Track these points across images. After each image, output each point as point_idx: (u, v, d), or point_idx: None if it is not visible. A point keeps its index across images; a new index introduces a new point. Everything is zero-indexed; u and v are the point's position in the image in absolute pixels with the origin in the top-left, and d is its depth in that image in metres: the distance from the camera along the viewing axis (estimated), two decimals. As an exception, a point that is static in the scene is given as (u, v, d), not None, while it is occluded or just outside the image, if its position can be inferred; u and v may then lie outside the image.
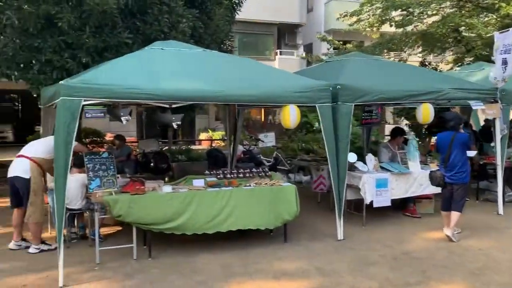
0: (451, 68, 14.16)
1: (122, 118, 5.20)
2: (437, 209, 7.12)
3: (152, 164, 9.02)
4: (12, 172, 5.42)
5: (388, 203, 6.62)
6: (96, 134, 12.92)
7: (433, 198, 7.35)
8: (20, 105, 23.26)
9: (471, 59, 13.01)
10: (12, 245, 5.58)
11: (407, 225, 6.73)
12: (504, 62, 6.74)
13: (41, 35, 7.14)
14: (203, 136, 21.02)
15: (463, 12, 12.62)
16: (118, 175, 5.64)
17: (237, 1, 9.92)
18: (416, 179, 6.84)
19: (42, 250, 5.44)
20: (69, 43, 7.19)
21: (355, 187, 6.58)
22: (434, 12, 13.37)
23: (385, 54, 14.96)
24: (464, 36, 13.04)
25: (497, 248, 5.66)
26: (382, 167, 6.88)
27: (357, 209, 7.02)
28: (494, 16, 12.54)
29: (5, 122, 19.23)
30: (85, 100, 4.54)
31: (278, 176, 6.26)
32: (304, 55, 19.52)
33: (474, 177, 7.84)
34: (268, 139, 10.09)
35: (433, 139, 10.82)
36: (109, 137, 14.72)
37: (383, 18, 14.42)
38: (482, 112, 7.94)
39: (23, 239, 5.63)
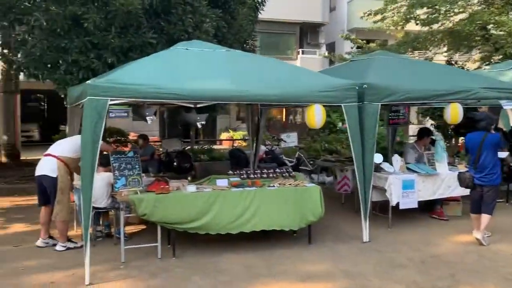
0: (478, 67, 13.80)
1: (147, 118, 5.22)
2: (465, 212, 6.94)
3: (175, 164, 9.06)
4: (39, 170, 5.50)
5: (415, 205, 6.47)
6: (120, 134, 13.05)
7: (461, 200, 7.16)
8: (45, 105, 23.78)
9: (499, 57, 12.65)
10: (39, 242, 5.67)
11: (434, 228, 6.57)
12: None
13: (68, 35, 7.26)
14: (224, 136, 21.07)
15: (492, 9, 12.28)
16: (143, 174, 5.66)
17: (260, 1, 9.89)
18: (444, 180, 6.67)
19: (69, 248, 5.51)
20: (95, 44, 7.29)
21: (381, 188, 6.45)
22: (461, 10, 13.06)
23: (410, 53, 14.70)
24: (493, 34, 12.69)
25: (530, 252, 5.47)
26: (408, 168, 6.74)
27: (382, 211, 6.90)
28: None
29: (32, 122, 19.63)
30: (111, 100, 4.57)
31: (302, 177, 6.19)
32: (326, 54, 19.34)
33: (504, 179, 7.59)
34: (291, 139, 10.05)
35: (460, 140, 10.58)
36: (132, 136, 14.89)
37: (408, 16, 14.17)
38: (513, 112, 7.69)
39: (50, 237, 5.71)
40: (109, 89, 4.53)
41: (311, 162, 10.25)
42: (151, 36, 7.42)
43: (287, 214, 5.44)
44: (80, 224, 5.90)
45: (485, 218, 5.68)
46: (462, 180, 5.86)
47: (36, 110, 22.56)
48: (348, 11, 22.38)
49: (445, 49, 14.70)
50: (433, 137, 7.37)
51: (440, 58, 14.85)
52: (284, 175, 6.07)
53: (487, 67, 11.81)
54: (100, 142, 4.51)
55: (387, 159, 6.82)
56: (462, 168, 6.77)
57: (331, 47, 23.11)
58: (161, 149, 10.57)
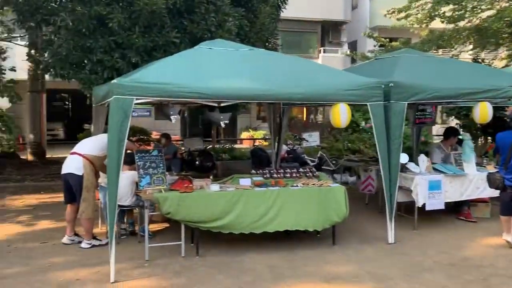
0: (506, 65, 13.42)
1: (172, 117, 5.24)
2: (493, 214, 6.76)
3: (197, 163, 9.10)
4: (65, 169, 5.57)
5: (442, 206, 6.32)
6: (143, 133, 13.20)
7: (490, 202, 6.97)
8: (70, 104, 24.23)
9: (528, 55, 12.29)
10: (65, 239, 5.75)
11: (462, 230, 6.41)
12: None
13: (93, 35, 7.34)
14: (244, 135, 21.07)
15: (521, 5, 11.92)
16: (166, 173, 5.68)
17: (282, -1, 9.85)
18: (472, 181, 6.49)
19: (94, 245, 5.57)
20: (119, 43, 7.36)
21: (406, 189, 6.32)
22: (488, 6, 12.72)
23: (434, 51, 14.41)
24: (522, 31, 12.34)
25: None
26: (435, 169, 6.59)
27: (408, 212, 6.76)
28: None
29: (57, 121, 20.01)
30: (137, 99, 4.59)
31: (326, 177, 6.12)
32: (348, 52, 19.14)
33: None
34: (313, 139, 9.97)
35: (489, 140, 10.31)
36: (154, 135, 15.04)
37: (433, 14, 13.88)
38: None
39: (76, 234, 5.78)
40: (134, 88, 4.56)
41: (334, 161, 10.12)
42: (175, 35, 7.44)
43: (311, 215, 5.38)
44: (104, 221, 5.98)
45: (516, 220, 5.51)
46: (492, 181, 5.69)
47: (60, 109, 23.00)
48: (371, 9, 22.11)
49: (470, 47, 14.35)
50: (460, 137, 7.19)
51: (465, 56, 14.50)
52: (307, 174, 6.00)
53: (515, 65, 11.49)
54: (126, 140, 4.54)
55: (412, 159, 6.68)
56: (491, 168, 6.58)
57: (353, 46, 22.86)
58: (183, 148, 10.63)
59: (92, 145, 5.66)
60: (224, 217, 5.19)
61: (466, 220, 6.79)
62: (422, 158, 6.51)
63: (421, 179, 6.21)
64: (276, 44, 9.98)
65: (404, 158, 6.06)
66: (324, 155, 10.33)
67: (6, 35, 13.20)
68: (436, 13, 13.69)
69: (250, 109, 21.19)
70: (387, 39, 16.68)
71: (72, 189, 5.52)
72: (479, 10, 12.97)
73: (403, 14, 14.37)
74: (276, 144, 8.37)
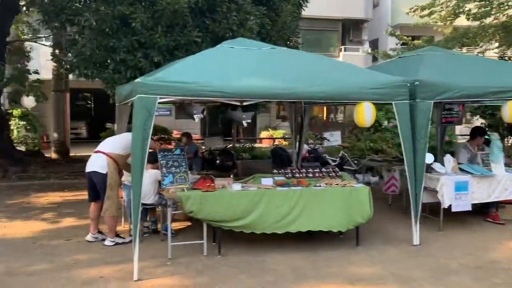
0: (534, 63, 13.03)
1: (195, 116, 5.24)
2: (523, 216, 6.58)
3: (218, 162, 9.11)
4: (90, 167, 5.62)
5: (469, 208, 6.17)
6: (164, 132, 13.28)
7: (518, 204, 6.77)
8: (92, 103, 24.62)
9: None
10: (89, 237, 5.81)
11: (489, 232, 6.24)
12: None
13: (116, 35, 7.41)
14: (264, 134, 21.04)
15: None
16: (189, 172, 5.69)
17: (304, -3, 9.77)
18: (501, 182, 6.31)
19: (117, 243, 5.61)
20: (141, 43, 7.41)
21: (431, 189, 6.19)
22: (516, 3, 12.40)
23: (458, 49, 14.11)
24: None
25: None
26: (461, 169, 6.43)
27: (432, 213, 6.63)
28: None
29: (79, 120, 20.35)
30: (160, 98, 4.60)
31: (349, 177, 6.03)
32: (369, 51, 18.91)
33: None
34: (334, 138, 9.86)
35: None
36: (175, 134, 15.14)
37: (457, 11, 13.60)
38: None
39: (99, 232, 5.84)
40: (158, 87, 4.57)
41: (355, 161, 10.01)
42: (196, 34, 7.46)
43: (334, 215, 5.31)
44: (127, 220, 6.02)
45: (547, 223, 5.33)
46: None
47: (83, 109, 23.40)
48: (392, 7, 21.82)
49: (496, 44, 14.01)
50: (487, 137, 7.00)
51: (491, 54, 14.16)
52: (330, 174, 5.94)
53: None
54: (149, 139, 4.55)
55: (436, 159, 6.54)
56: (520, 169, 6.40)
57: (374, 44, 22.60)
58: (203, 147, 10.67)
59: (116, 143, 5.70)
60: (246, 217, 5.16)
61: (494, 222, 6.62)
62: (448, 158, 6.36)
63: (447, 179, 6.07)
64: (298, 42, 9.92)
65: (429, 158, 5.93)
66: (346, 154, 10.22)
67: (31, 35, 13.50)
68: (461, 10, 13.42)
69: (270, 108, 21.14)
70: (409, 37, 16.42)
71: (96, 187, 5.58)
72: (506, 7, 12.65)
73: (426, 12, 14.14)
74: (297, 143, 8.32)
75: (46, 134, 17.19)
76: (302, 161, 8.75)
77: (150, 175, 5.59)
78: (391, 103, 5.47)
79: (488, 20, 13.15)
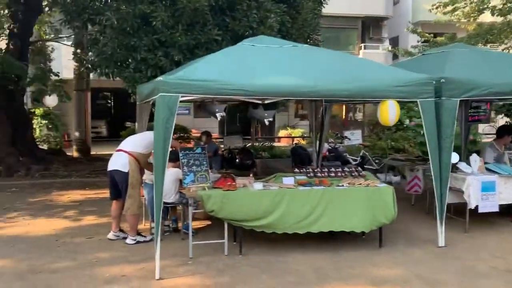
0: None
1: (217, 114, 5.20)
2: (553, 218, 6.36)
3: (237, 160, 9.11)
4: (111, 165, 5.64)
5: (496, 209, 6.00)
6: (183, 130, 13.34)
7: (548, 205, 6.55)
8: (112, 102, 24.91)
9: None
10: (110, 235, 5.84)
11: (517, 234, 6.06)
12: None
13: (137, 34, 7.45)
14: (282, 133, 20.95)
15: None
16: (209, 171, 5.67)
17: (324, -6, 9.67)
18: (529, 183, 6.12)
19: (138, 242, 5.62)
20: (162, 42, 7.42)
21: (457, 189, 6.04)
22: (543, -2, 12.04)
23: (482, 46, 13.78)
24: None
25: None
26: (487, 169, 6.25)
27: (457, 214, 6.46)
28: None
29: (100, 119, 20.60)
30: (182, 96, 4.58)
31: (373, 176, 5.92)
32: (390, 48, 18.64)
33: None
34: (355, 137, 9.73)
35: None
36: (194, 133, 15.19)
37: (481, 7, 13.29)
38: None
39: (121, 230, 5.86)
40: (179, 86, 4.55)
41: (377, 161, 9.86)
42: (216, 33, 7.44)
43: (357, 216, 5.21)
44: (148, 218, 6.04)
45: None
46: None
47: (103, 108, 23.69)
48: (413, 4, 21.49)
49: (522, 42, 13.64)
50: (516, 136, 6.80)
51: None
52: (353, 174, 5.83)
53: None
54: (171, 138, 4.54)
55: (461, 158, 6.37)
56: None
57: (394, 42, 22.27)
58: (222, 146, 10.67)
59: (137, 142, 5.71)
60: (267, 216, 5.10)
61: (522, 224, 6.43)
62: (474, 157, 6.19)
63: (474, 179, 5.91)
64: (318, 40, 9.81)
65: (455, 157, 5.77)
66: (367, 154, 10.07)
67: (53, 36, 13.71)
68: (485, 6, 13.10)
69: (288, 107, 21.05)
70: (431, 34, 16.11)
71: (118, 185, 5.59)
72: (533, 2, 12.31)
73: (449, 8, 13.84)
74: (318, 142, 8.23)
75: (67, 133, 17.45)
76: (322, 160, 8.66)
77: (171, 173, 5.58)
78: (415, 101, 5.35)
79: (513, 16, 12.82)
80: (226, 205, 5.04)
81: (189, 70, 5.04)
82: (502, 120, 12.87)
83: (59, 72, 12.27)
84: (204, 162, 5.39)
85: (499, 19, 13.18)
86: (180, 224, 6.07)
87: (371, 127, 13.34)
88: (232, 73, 4.90)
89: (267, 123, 5.75)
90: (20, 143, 11.17)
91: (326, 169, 5.97)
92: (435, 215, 6.16)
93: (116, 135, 17.36)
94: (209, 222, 6.44)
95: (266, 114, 5.57)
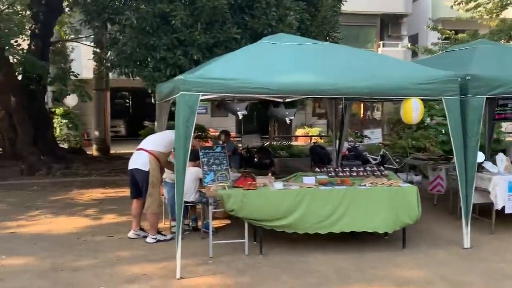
0: None
1: (239, 113, 5.17)
2: None
3: (256, 159, 9.07)
4: (132, 164, 5.66)
5: (524, 210, 5.82)
6: (201, 130, 13.36)
7: None
8: (130, 102, 25.13)
9: None
10: (131, 234, 5.85)
11: (545, 236, 5.87)
12: None
13: (156, 33, 7.46)
14: (299, 132, 20.84)
15: None
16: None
17: (344, -9, 9.56)
18: (558, 183, 5.92)
19: (159, 240, 5.62)
20: (181, 40, 7.42)
21: (482, 189, 5.89)
22: None
23: (504, 42, 13.45)
24: None
25: None
26: (515, 169, 6.08)
27: (482, 214, 6.31)
28: None
29: (118, 118, 20.80)
30: (202, 95, 4.55)
31: (396, 176, 5.81)
32: (409, 46, 18.35)
33: None
34: (375, 136, 9.61)
35: None
36: (211, 132, 15.21)
37: (505, 3, 12.97)
38: None
39: (141, 229, 5.87)
40: (200, 84, 4.52)
41: (397, 160, 9.70)
42: (235, 31, 7.41)
43: (380, 216, 5.11)
44: (168, 217, 6.04)
45: None
46: None
47: (122, 107, 23.91)
48: (433, 1, 21.13)
49: (548, 37, 13.27)
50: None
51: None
52: (375, 173, 5.73)
53: None
54: (192, 137, 4.51)
55: (485, 157, 6.21)
56: None
57: (414, 39, 21.95)
58: (240, 145, 10.63)
59: (157, 141, 5.71)
60: (288, 216, 5.05)
61: (550, 225, 6.22)
62: (500, 157, 6.03)
63: (500, 179, 5.75)
64: (337, 38, 9.70)
65: (480, 156, 5.63)
66: (387, 153, 9.92)
67: (73, 36, 13.88)
68: (509, 1, 12.79)
69: (306, 105, 20.93)
70: (452, 31, 15.80)
71: (138, 184, 5.60)
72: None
73: (472, 4, 13.55)
74: (337, 141, 8.13)
75: (87, 132, 17.68)
76: (342, 159, 8.56)
77: (191, 172, 5.56)
78: (440, 99, 5.22)
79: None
80: (246, 204, 5.00)
81: (209, 68, 5.02)
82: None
83: (78, 74, 12.42)
84: (224, 161, 5.36)
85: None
86: (199, 223, 6.06)
87: (391, 125, 13.15)
88: (253, 71, 4.85)
89: (288, 121, 5.69)
90: (41, 142, 11.34)
91: (347, 169, 5.88)
92: (459, 216, 6.03)
93: (134, 134, 17.51)
94: (228, 221, 6.41)
95: (287, 113, 5.51)
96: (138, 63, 7.82)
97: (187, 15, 7.18)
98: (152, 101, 7.87)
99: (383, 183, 5.31)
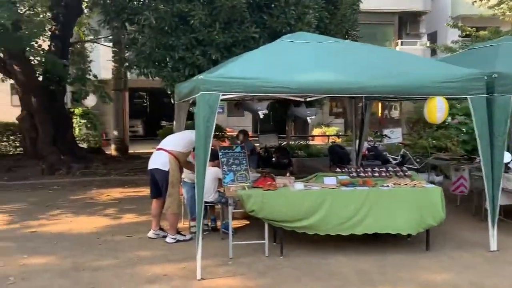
0: None
1: (259, 112, 5.12)
2: None
3: (273, 159, 8.98)
4: (152, 164, 5.65)
5: (552, 211, 5.65)
6: (218, 129, 13.36)
7: None
8: (147, 102, 25.33)
9: None
10: (150, 234, 5.85)
11: None
12: None
13: (175, 33, 7.46)
14: (316, 131, 20.70)
15: None
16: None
17: (364, -11, 9.44)
18: None
19: (178, 240, 5.61)
20: (200, 40, 7.41)
21: (509, 190, 5.73)
22: None
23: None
24: None
25: None
26: (542, 169, 5.90)
27: (508, 216, 6.14)
28: None
29: (136, 118, 20.97)
30: (223, 95, 4.52)
31: (419, 177, 5.68)
32: (428, 44, 18.06)
33: None
34: (395, 135, 9.47)
35: None
36: (228, 131, 15.21)
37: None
38: None
39: (161, 229, 5.86)
40: (220, 84, 4.49)
41: (418, 160, 9.53)
42: (254, 30, 7.36)
43: (403, 217, 5.01)
44: (187, 217, 6.03)
45: None
46: None
47: (139, 107, 24.12)
48: (453, -2, 20.76)
49: None
50: None
51: None
52: (398, 174, 5.62)
53: None
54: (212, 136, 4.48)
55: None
56: None
57: (432, 37, 21.60)
58: (257, 145, 10.57)
59: (177, 141, 5.70)
60: (309, 217, 4.98)
61: None
62: (527, 157, 5.85)
63: (528, 180, 5.58)
64: (356, 36, 9.58)
65: (507, 157, 5.48)
66: (408, 152, 9.75)
67: (91, 37, 14.02)
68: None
69: (323, 105, 20.77)
70: (473, 28, 15.50)
71: (158, 184, 5.59)
72: None
73: (494, 1, 13.26)
74: (357, 141, 8.02)
75: (105, 132, 17.85)
76: (362, 159, 8.44)
77: (210, 172, 5.52)
78: (465, 98, 5.08)
79: None
80: (266, 205, 4.95)
81: (229, 68, 4.98)
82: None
83: (96, 74, 12.53)
84: (244, 161, 5.32)
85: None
86: (219, 223, 6.03)
87: (410, 124, 12.95)
88: (273, 70, 4.79)
89: (310, 121, 5.62)
90: (61, 142, 11.48)
91: (369, 169, 5.78)
92: (483, 217, 5.90)
93: (152, 134, 17.63)
94: (247, 222, 6.37)
95: (308, 112, 5.44)
96: (157, 63, 7.83)
97: (206, 15, 7.16)
98: (171, 101, 7.86)
99: (406, 184, 5.20)
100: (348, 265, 4.83)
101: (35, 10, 10.28)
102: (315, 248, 5.27)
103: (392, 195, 5.06)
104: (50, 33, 11.57)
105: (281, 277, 4.55)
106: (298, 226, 5.02)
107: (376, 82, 4.86)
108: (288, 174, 5.97)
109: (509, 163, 5.72)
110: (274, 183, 5.25)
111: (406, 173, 5.65)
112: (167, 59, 7.65)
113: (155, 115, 22.13)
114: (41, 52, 10.28)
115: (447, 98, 5.02)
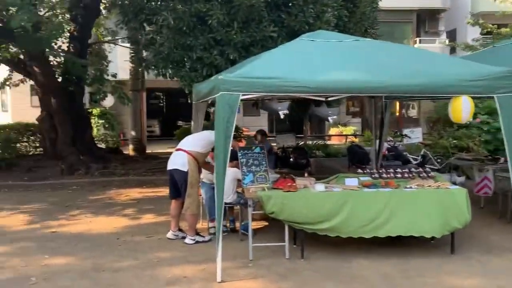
0: None
1: (280, 112, 5.05)
2: None
3: (291, 159, 8.91)
4: (171, 164, 5.63)
5: None
6: (236, 129, 13.33)
7: None
8: (164, 102, 25.46)
9: None
10: (169, 234, 5.83)
11: None
12: None
13: (193, 33, 7.44)
14: (333, 131, 20.52)
15: None
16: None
17: (383, -14, 9.28)
18: None
19: (197, 242, 5.57)
20: (218, 40, 7.37)
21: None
22: None
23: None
24: None
25: None
26: None
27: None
28: None
29: (153, 118, 21.08)
30: (243, 95, 4.46)
31: (443, 178, 5.54)
32: (447, 42, 17.72)
33: None
34: (415, 135, 9.31)
35: None
36: (244, 131, 15.16)
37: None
38: None
39: (180, 230, 5.84)
40: (240, 84, 4.42)
41: (439, 160, 9.34)
42: (272, 29, 7.30)
43: (428, 219, 4.88)
44: (205, 218, 5.99)
45: None
46: None
47: (156, 107, 24.25)
48: (473, -5, 20.34)
49: None
50: None
51: None
52: (421, 175, 5.48)
53: None
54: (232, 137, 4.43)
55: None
56: None
57: (452, 35, 21.18)
58: (274, 145, 10.50)
59: (195, 141, 5.67)
60: (330, 219, 4.89)
61: None
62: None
63: (557, 182, 5.38)
64: (376, 34, 9.43)
65: (535, 157, 5.28)
66: (428, 153, 9.57)
67: (109, 38, 14.11)
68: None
69: (340, 104, 20.58)
70: (495, 25, 15.14)
71: (177, 184, 5.57)
72: None
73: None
74: (377, 141, 7.88)
75: (123, 132, 17.98)
76: (382, 159, 8.30)
77: (229, 173, 5.44)
78: (492, 97, 4.92)
79: None
80: (286, 206, 4.88)
81: (249, 67, 4.91)
82: None
83: (115, 73, 12.59)
84: (263, 162, 5.26)
85: None
86: (237, 225, 5.97)
87: (430, 124, 12.71)
88: (294, 70, 4.71)
89: (331, 121, 5.53)
90: (80, 142, 11.57)
91: (391, 170, 5.66)
92: (509, 219, 5.73)
93: (168, 134, 17.70)
94: (266, 223, 6.31)
95: (330, 112, 5.35)
96: (175, 63, 7.82)
97: (224, 14, 7.12)
98: (188, 101, 7.85)
99: (430, 185, 5.07)
100: (370, 268, 4.72)
101: (55, 11, 10.38)
102: (336, 251, 5.17)
103: (415, 196, 4.94)
104: (69, 34, 11.68)
105: (302, 280, 4.47)
106: (320, 228, 4.93)
107: (399, 81, 4.74)
108: (306, 175, 5.89)
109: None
110: (294, 184, 5.17)
111: (430, 174, 5.51)
112: (185, 59, 7.63)
113: (171, 115, 22.23)
114: (61, 53, 10.37)
115: (472, 97, 4.87)
